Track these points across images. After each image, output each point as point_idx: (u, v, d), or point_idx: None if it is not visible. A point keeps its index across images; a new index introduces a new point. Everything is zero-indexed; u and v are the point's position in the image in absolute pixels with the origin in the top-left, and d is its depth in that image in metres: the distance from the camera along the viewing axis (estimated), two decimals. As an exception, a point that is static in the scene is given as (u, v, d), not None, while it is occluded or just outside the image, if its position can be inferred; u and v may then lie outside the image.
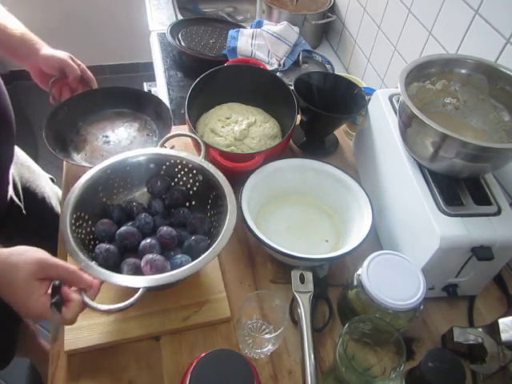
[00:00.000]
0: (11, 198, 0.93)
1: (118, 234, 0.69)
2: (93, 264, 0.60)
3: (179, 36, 1.39)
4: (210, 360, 0.52)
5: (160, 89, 1.30)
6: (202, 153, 0.79)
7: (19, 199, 0.97)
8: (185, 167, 0.77)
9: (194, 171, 0.77)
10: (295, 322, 0.74)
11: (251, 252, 0.84)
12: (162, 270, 0.63)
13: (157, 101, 1.00)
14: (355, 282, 0.69)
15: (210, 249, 0.63)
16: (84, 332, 0.68)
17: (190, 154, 0.77)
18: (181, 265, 0.64)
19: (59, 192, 1.16)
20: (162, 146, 0.80)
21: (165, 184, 0.78)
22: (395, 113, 0.83)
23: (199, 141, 0.81)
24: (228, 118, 0.98)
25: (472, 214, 0.69)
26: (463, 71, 0.77)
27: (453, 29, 0.91)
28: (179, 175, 0.79)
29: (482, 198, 0.72)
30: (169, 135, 0.83)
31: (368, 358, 0.64)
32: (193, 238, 0.70)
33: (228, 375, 0.51)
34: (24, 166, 1.03)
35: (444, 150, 0.67)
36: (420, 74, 0.76)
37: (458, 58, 0.78)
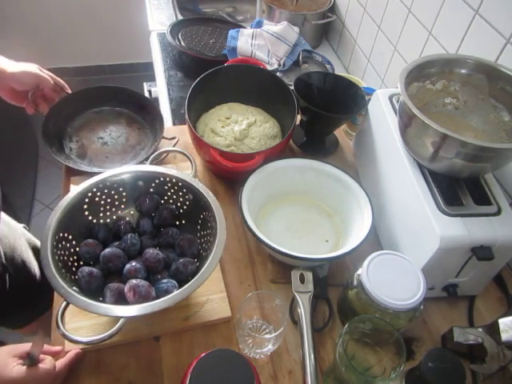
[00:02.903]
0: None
1: (102, 256, 0.67)
2: (72, 291, 0.58)
3: (179, 36, 1.39)
4: (210, 360, 0.52)
5: (160, 89, 1.30)
6: (193, 170, 0.77)
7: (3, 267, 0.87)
8: (174, 185, 0.75)
9: (184, 190, 0.74)
10: (295, 322, 0.74)
11: (251, 252, 0.84)
12: (146, 297, 0.61)
13: (136, 95, 1.00)
14: (355, 282, 0.69)
15: (197, 275, 0.61)
16: (84, 332, 0.68)
17: (180, 171, 0.75)
18: (166, 291, 0.63)
19: (35, 241, 1.04)
20: (152, 163, 0.78)
21: (153, 202, 0.75)
22: (395, 113, 0.83)
23: (189, 158, 0.80)
24: (228, 118, 0.98)
25: (472, 214, 0.69)
26: (463, 71, 0.77)
27: (453, 29, 0.91)
28: (169, 193, 0.76)
29: (481, 198, 0.72)
30: (158, 152, 0.81)
31: (368, 358, 0.64)
32: (181, 260, 0.68)
33: (228, 375, 0.51)
34: (4, 221, 0.93)
35: (444, 150, 0.67)
36: (420, 74, 0.76)
37: (458, 58, 0.78)
